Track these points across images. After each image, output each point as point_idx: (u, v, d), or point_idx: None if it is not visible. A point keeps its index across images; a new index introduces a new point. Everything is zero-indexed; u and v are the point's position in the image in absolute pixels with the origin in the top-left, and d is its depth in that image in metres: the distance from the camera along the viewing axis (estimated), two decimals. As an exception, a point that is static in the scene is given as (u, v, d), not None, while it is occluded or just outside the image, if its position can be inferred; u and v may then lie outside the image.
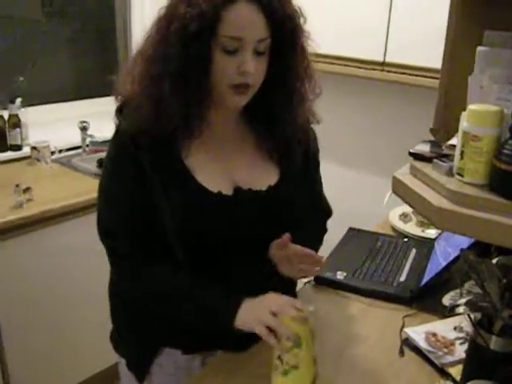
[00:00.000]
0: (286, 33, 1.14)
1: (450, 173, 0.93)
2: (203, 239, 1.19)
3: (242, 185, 1.23)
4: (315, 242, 1.38)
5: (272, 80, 1.18)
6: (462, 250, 1.20)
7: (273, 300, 1.16)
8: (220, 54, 1.11)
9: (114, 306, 1.37)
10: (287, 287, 1.35)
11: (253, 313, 1.14)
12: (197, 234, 1.19)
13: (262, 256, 1.26)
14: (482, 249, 1.38)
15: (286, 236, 1.20)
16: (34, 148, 2.48)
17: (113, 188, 1.23)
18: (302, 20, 1.17)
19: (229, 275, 1.24)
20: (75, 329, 2.29)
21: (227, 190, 1.21)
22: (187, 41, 1.08)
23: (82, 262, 2.20)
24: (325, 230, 1.46)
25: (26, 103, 2.61)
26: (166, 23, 1.11)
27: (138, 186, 1.18)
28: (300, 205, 1.30)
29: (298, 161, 1.30)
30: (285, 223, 1.26)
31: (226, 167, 1.23)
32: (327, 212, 1.47)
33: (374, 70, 2.32)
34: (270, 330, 1.10)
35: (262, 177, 1.26)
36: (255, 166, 1.27)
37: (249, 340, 1.23)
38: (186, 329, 1.25)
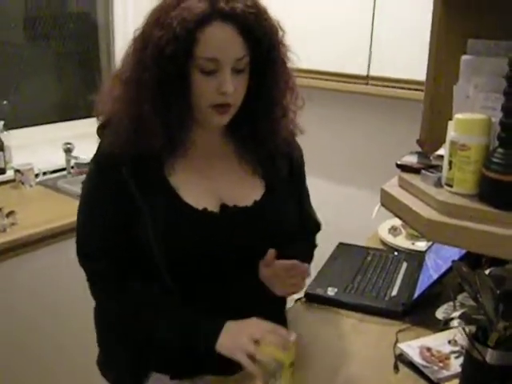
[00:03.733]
0: (264, 49, 1.13)
1: (438, 183, 0.91)
2: (189, 257, 1.17)
3: (228, 201, 1.21)
4: (305, 257, 1.36)
5: (253, 94, 1.17)
6: (453, 261, 1.19)
7: (255, 326, 1.14)
8: (198, 75, 1.09)
9: (99, 330, 1.34)
10: (276, 307, 1.32)
11: (234, 339, 1.12)
12: (183, 252, 1.16)
13: (252, 273, 1.24)
14: (473, 260, 1.37)
15: (270, 252, 1.19)
16: (17, 171, 2.45)
17: (92, 208, 1.21)
18: (280, 33, 1.16)
19: (218, 294, 1.22)
20: (62, 354, 2.24)
21: (213, 207, 1.19)
22: (163, 64, 1.06)
23: (68, 285, 2.15)
24: (314, 245, 1.45)
25: (10, 126, 2.58)
26: (141, 46, 1.10)
27: (119, 205, 1.16)
28: (287, 219, 1.28)
29: (283, 174, 1.29)
30: (272, 238, 1.24)
31: (210, 184, 1.22)
32: (316, 226, 1.45)
33: (358, 84, 2.32)
34: (252, 357, 1.07)
35: (247, 192, 1.24)
36: (240, 182, 1.25)
37: (237, 363, 1.20)
38: (173, 353, 1.22)
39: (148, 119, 1.10)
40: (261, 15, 1.11)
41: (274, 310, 1.29)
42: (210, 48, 1.07)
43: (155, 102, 1.09)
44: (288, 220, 1.28)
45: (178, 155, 1.18)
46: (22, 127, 2.76)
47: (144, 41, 1.10)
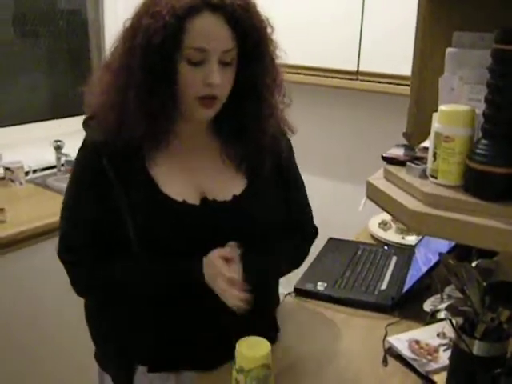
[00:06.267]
0: (252, 43, 1.13)
1: (423, 175, 0.91)
2: (168, 249, 1.17)
3: (208, 195, 1.21)
4: (286, 256, 1.34)
5: (240, 90, 1.17)
6: (440, 254, 1.20)
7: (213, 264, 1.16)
8: (185, 66, 1.09)
9: (90, 325, 1.34)
10: (267, 300, 1.32)
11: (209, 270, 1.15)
12: (161, 243, 1.17)
13: None
14: (462, 253, 1.38)
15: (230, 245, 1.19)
16: (7, 169, 2.43)
17: (75, 199, 1.22)
18: (269, 30, 1.16)
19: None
20: (50, 353, 2.22)
21: (193, 200, 1.19)
22: (151, 53, 1.07)
23: (58, 283, 2.15)
24: (304, 253, 1.40)
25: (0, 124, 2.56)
26: (131, 35, 1.10)
27: (101, 197, 1.16)
28: (267, 215, 1.25)
29: (268, 170, 1.27)
30: (250, 233, 1.22)
31: (192, 177, 1.21)
32: (309, 233, 1.41)
33: (347, 79, 2.32)
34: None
35: (228, 187, 1.24)
36: (222, 177, 1.25)
37: (219, 358, 1.21)
38: (158, 340, 1.23)
39: (132, 106, 1.10)
40: (250, 9, 1.12)
41: (264, 305, 1.28)
42: (199, 38, 1.08)
43: (140, 88, 1.09)
44: (267, 217, 1.25)
45: (161, 148, 1.18)
46: (11, 125, 2.75)
47: (133, 30, 1.10)
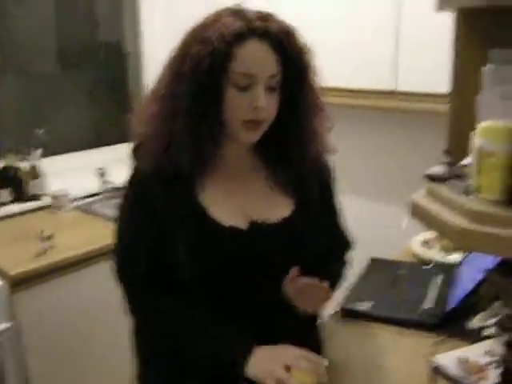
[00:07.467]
0: (295, 68, 1.16)
1: (466, 192, 0.92)
2: (218, 275, 1.18)
3: (256, 218, 1.22)
4: (336, 276, 1.36)
5: (283, 116, 1.19)
6: (487, 271, 1.19)
7: (287, 352, 1.14)
8: (232, 91, 1.12)
9: (136, 347, 1.35)
10: (305, 324, 1.32)
11: (265, 364, 1.12)
12: (211, 269, 1.17)
13: (279, 291, 1.23)
14: (507, 268, 1.36)
15: (294, 270, 1.19)
16: (53, 197, 2.52)
17: (128, 227, 1.24)
18: (310, 55, 1.19)
19: (247, 314, 1.21)
20: (98, 377, 2.27)
21: (241, 224, 1.21)
22: (199, 78, 1.10)
23: (105, 307, 2.20)
24: (345, 263, 1.43)
25: (46, 154, 2.66)
26: (178, 62, 1.14)
27: (154, 224, 1.19)
28: (317, 237, 1.27)
29: (313, 193, 1.29)
30: (301, 256, 1.24)
31: (239, 201, 1.23)
32: (347, 244, 1.44)
33: (385, 99, 2.33)
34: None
35: (276, 210, 1.25)
36: (269, 200, 1.26)
37: None
38: (200, 373, 1.22)
39: (180, 133, 1.12)
40: (293, 35, 1.16)
41: (303, 328, 1.29)
42: (246, 63, 1.11)
43: (188, 115, 1.12)
44: (318, 239, 1.27)
45: (207, 173, 1.20)
46: (57, 154, 2.85)
47: (181, 57, 1.13)
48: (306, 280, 1.20)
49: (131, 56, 3.17)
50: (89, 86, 3.10)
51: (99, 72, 3.14)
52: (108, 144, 3.04)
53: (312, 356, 1.14)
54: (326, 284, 1.20)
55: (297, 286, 1.20)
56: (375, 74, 2.33)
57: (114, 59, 3.19)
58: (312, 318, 1.36)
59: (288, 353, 1.14)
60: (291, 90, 1.18)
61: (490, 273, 1.14)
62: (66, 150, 2.92)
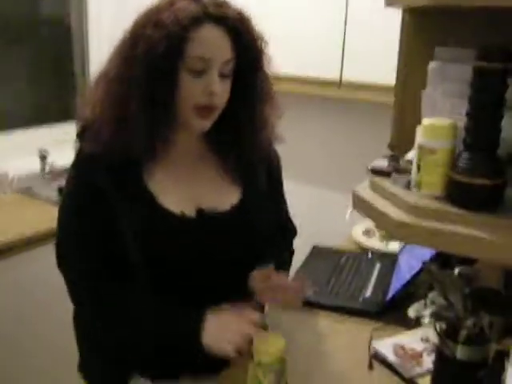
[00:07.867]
0: (249, 56, 1.17)
1: (408, 186, 0.94)
2: (167, 263, 1.18)
3: (205, 206, 1.22)
4: (284, 264, 1.38)
5: (235, 103, 1.19)
6: (424, 262, 1.23)
7: (232, 318, 1.17)
8: (186, 75, 1.12)
9: (77, 335, 1.34)
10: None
11: (219, 335, 1.14)
12: (160, 257, 1.17)
13: (231, 281, 1.25)
14: (443, 259, 1.41)
15: (270, 268, 1.22)
16: (-9, 177, 2.43)
17: (71, 213, 1.22)
18: (264, 43, 1.20)
19: (198, 301, 1.21)
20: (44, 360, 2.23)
21: (190, 212, 1.21)
22: (154, 62, 1.08)
23: (47, 291, 2.15)
24: (292, 251, 1.46)
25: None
26: (130, 45, 1.12)
27: (97, 211, 1.17)
28: (264, 223, 1.30)
29: (261, 181, 1.31)
30: (250, 242, 1.26)
31: (188, 188, 1.23)
32: (293, 231, 1.47)
33: (331, 88, 2.35)
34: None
35: (225, 197, 1.26)
36: (218, 187, 1.27)
37: (219, 362, 1.21)
38: (152, 355, 1.23)
39: (134, 117, 1.11)
40: (248, 22, 1.16)
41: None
42: (202, 47, 1.11)
43: (142, 100, 1.10)
44: (265, 225, 1.30)
45: (157, 160, 1.19)
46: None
47: (134, 40, 1.12)
48: (281, 280, 1.24)
49: (76, 32, 3.07)
50: (30, 62, 2.99)
51: (41, 49, 3.03)
52: (51, 122, 2.94)
53: (254, 315, 1.18)
54: (299, 282, 1.23)
55: (269, 284, 1.23)
56: (322, 63, 2.35)
57: (57, 35, 3.09)
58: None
59: (234, 319, 1.17)
60: (244, 78, 1.18)
61: (427, 263, 1.18)
62: (6, 127, 2.81)
